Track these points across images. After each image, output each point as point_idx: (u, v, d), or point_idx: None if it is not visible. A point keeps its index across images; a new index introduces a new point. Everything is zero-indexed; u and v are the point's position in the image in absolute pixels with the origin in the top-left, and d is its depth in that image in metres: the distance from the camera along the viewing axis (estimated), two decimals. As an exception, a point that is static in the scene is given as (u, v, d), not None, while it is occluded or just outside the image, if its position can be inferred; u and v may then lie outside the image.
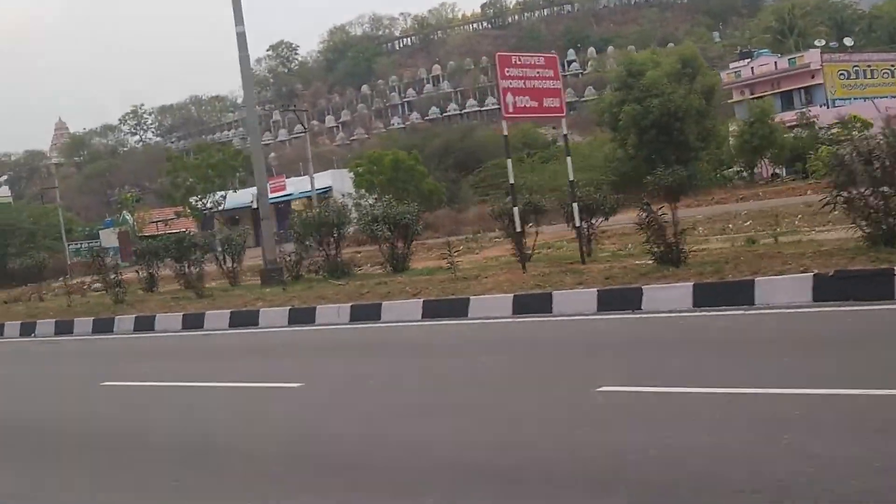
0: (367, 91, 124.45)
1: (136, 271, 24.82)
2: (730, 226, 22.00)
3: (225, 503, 5.86)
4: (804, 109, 55.69)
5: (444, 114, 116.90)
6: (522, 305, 12.75)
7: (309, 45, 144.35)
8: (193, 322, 16.89)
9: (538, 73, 15.57)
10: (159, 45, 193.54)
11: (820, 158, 42.46)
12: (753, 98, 54.30)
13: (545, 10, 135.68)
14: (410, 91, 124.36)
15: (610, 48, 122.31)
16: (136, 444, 7.68)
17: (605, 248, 19.10)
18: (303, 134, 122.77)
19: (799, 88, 59.51)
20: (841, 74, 59.03)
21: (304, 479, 6.02)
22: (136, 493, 6.24)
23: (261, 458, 6.71)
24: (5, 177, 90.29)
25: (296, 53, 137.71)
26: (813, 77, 58.82)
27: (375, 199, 47.30)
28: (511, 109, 15.26)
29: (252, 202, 49.91)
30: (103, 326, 18.51)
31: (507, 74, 15.19)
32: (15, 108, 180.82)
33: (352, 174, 49.58)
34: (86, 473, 6.87)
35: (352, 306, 14.81)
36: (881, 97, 55.54)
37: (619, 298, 11.87)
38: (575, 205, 15.79)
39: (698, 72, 47.86)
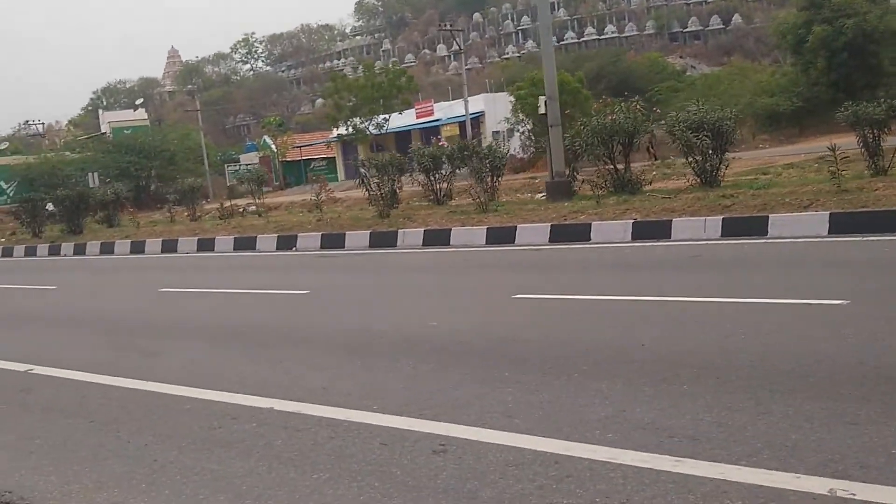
0: (480, 19, 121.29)
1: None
2: None
3: None
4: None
5: (561, 42, 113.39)
6: None
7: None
8: (501, 236, 15.27)
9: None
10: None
11: None
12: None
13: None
14: (525, 19, 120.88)
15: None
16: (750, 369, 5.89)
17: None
18: (413, 63, 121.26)
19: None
20: None
21: None
22: None
23: None
24: (140, 100, 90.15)
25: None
26: None
27: (533, 126, 45.60)
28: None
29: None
30: (383, 240, 17.01)
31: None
32: (130, 34, 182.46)
33: (512, 98, 47.40)
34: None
35: (724, 219, 12.93)
36: None
37: None
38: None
39: (893, -10, 44.39)
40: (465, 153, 18.07)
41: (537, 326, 8.21)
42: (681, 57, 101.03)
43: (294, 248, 18.54)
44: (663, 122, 17.62)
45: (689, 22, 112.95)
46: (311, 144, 62.36)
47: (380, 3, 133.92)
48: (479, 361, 6.91)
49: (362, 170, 19.50)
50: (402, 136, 55.61)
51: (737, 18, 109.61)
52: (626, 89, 55.37)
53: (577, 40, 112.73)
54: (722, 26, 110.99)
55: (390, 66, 59.06)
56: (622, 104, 17.90)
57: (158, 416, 6.25)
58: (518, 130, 48.33)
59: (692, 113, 16.51)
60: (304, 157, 61.83)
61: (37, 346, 10.29)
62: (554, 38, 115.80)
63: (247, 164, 53.89)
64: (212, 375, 7.31)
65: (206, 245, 20.59)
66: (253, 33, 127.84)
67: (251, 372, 7.36)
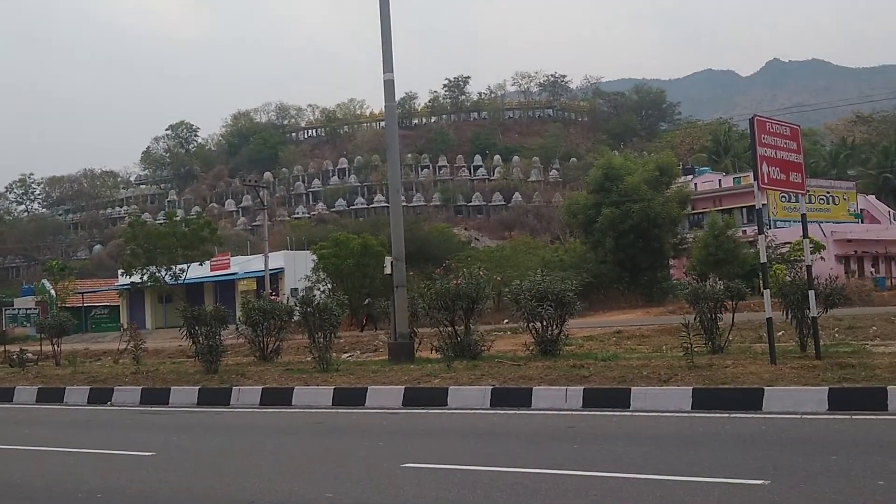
0: (271, 178, 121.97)
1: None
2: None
3: None
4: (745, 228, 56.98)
5: (351, 206, 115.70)
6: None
7: (209, 128, 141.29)
8: (350, 398, 14.68)
9: (785, 143, 14.38)
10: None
11: (774, 276, 43.17)
12: (719, 210, 55.06)
13: (452, 116, 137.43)
14: (316, 181, 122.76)
15: (515, 157, 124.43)
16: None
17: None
18: (196, 216, 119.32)
19: (742, 207, 60.81)
20: (783, 197, 60.64)
21: None
22: None
23: None
24: None
25: (196, 135, 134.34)
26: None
27: (333, 286, 45.36)
28: (766, 180, 14.02)
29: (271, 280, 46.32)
30: (215, 398, 15.92)
31: (763, 142, 13.96)
32: None
33: (314, 256, 47.27)
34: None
35: (585, 390, 12.95)
36: (818, 222, 57.45)
37: None
38: (811, 293, 14.41)
39: (672, 181, 48.39)
40: (308, 309, 17.47)
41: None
42: (465, 229, 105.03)
43: (110, 403, 17.01)
44: (507, 289, 17.84)
45: (473, 197, 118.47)
46: (97, 291, 59.31)
47: (167, 154, 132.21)
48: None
49: (190, 319, 18.26)
50: (195, 288, 53.90)
51: (517, 197, 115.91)
52: (424, 255, 56.57)
53: (366, 206, 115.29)
54: (503, 203, 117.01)
55: (178, 216, 57.49)
56: (464, 270, 18.01)
57: None
58: (319, 289, 47.91)
59: (537, 283, 16.79)
60: (85, 304, 58.53)
61: None
62: (343, 202, 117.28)
63: (26, 309, 50.21)
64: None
65: (2, 395, 18.57)
66: (31, 174, 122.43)
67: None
